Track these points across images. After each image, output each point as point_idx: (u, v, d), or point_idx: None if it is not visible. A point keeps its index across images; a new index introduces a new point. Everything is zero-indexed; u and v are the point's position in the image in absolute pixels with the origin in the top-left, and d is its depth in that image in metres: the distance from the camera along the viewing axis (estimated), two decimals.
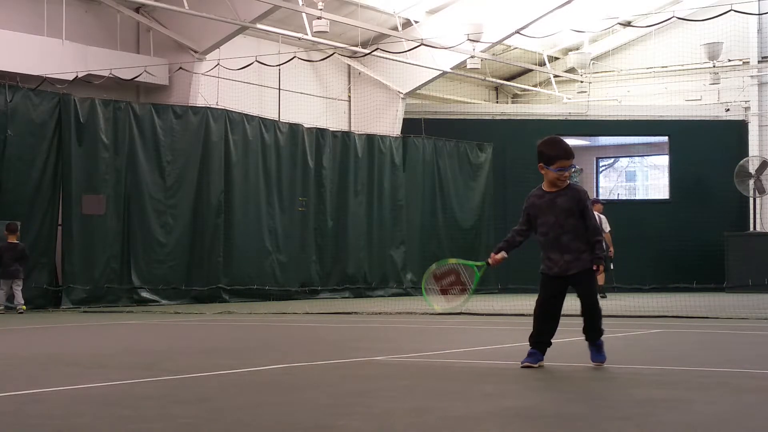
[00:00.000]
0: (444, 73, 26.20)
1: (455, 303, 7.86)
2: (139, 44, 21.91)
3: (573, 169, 7.31)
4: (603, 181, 32.94)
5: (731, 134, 27.84)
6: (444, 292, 7.77)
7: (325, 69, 25.24)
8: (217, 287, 20.58)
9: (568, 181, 7.41)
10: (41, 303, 18.33)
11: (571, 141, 31.91)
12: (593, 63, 30.03)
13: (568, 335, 8.71)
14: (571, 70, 29.96)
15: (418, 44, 22.41)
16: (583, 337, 7.45)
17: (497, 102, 31.62)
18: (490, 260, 7.50)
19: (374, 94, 26.16)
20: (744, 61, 28.36)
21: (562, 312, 7.44)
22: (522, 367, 7.28)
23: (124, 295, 19.33)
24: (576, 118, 28.17)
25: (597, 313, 7.36)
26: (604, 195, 31.34)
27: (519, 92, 31.69)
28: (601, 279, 22.38)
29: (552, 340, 7.44)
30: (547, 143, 7.39)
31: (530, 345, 7.39)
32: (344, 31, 23.64)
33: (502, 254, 7.44)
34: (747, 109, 28.17)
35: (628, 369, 7.21)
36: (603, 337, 7.43)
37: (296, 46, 23.80)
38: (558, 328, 7.46)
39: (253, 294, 21.19)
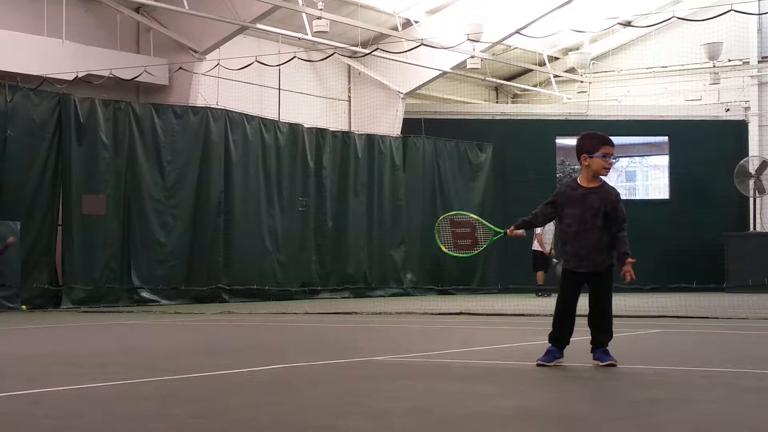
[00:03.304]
0: (444, 73, 26.20)
1: (460, 253, 7.91)
2: (139, 44, 21.91)
3: (612, 160, 7.39)
4: None
5: (731, 134, 27.83)
6: (456, 237, 7.85)
7: (325, 69, 25.24)
8: (217, 287, 20.57)
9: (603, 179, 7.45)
10: (41, 303, 18.32)
11: (571, 141, 31.78)
12: (593, 63, 30.03)
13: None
14: (571, 70, 29.96)
15: (418, 44, 22.40)
16: (590, 339, 7.41)
17: (497, 102, 31.61)
18: (508, 231, 7.63)
19: (374, 94, 26.16)
20: (744, 61, 28.36)
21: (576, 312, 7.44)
22: (537, 365, 7.27)
23: (124, 295, 19.32)
24: (576, 118, 28.16)
25: (611, 315, 7.38)
26: None
27: (519, 92, 31.69)
28: (540, 278, 22.68)
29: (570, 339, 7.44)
30: (586, 135, 7.49)
31: (549, 342, 7.40)
32: (344, 31, 23.63)
33: (521, 232, 7.58)
34: (747, 109, 28.17)
35: (628, 369, 7.21)
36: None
37: (296, 46, 23.80)
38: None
39: (253, 294, 21.18)
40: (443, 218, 7.96)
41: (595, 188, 7.37)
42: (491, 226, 7.84)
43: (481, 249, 7.83)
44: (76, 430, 4.87)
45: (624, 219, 7.37)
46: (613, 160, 7.47)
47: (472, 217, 7.96)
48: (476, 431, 4.77)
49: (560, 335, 7.36)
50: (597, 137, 7.41)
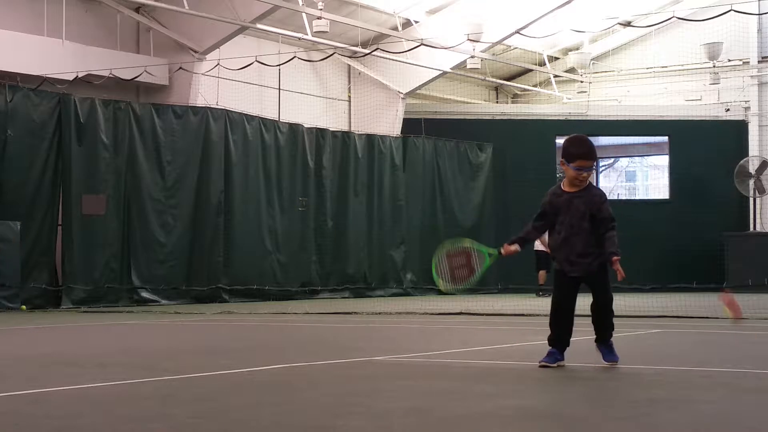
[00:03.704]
0: (444, 73, 26.20)
1: (458, 286, 7.83)
2: (139, 44, 21.91)
3: (587, 173, 7.33)
4: (603, 181, 32.98)
5: (731, 134, 27.84)
6: (452, 270, 7.78)
7: (325, 69, 25.24)
8: (217, 287, 20.57)
9: (588, 182, 7.42)
10: (41, 303, 18.31)
11: None
12: (593, 63, 30.04)
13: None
14: (571, 70, 29.96)
15: (418, 44, 22.41)
16: (594, 337, 7.44)
17: (497, 102, 31.62)
18: (502, 250, 7.52)
19: (374, 94, 26.16)
20: (744, 61, 28.37)
21: (576, 312, 7.44)
22: (540, 366, 7.27)
23: (124, 295, 19.32)
24: (576, 118, 28.18)
25: (611, 311, 7.40)
26: None
27: (519, 92, 31.69)
28: (542, 278, 22.68)
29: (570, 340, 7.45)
30: (573, 140, 7.44)
31: (549, 345, 7.40)
32: (344, 31, 23.63)
33: (516, 247, 7.47)
34: (747, 109, 28.18)
35: (628, 369, 7.21)
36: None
37: (296, 46, 23.80)
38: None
39: (253, 294, 21.18)
40: (437, 255, 7.83)
41: (579, 192, 7.35)
42: (484, 248, 7.73)
43: (478, 276, 7.73)
44: (76, 430, 4.87)
45: (611, 219, 7.30)
46: (587, 174, 7.40)
47: (465, 245, 7.85)
48: (476, 431, 4.77)
49: (558, 336, 7.35)
50: (582, 148, 7.35)
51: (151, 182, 19.91)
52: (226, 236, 20.88)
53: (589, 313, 7.43)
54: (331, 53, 23.01)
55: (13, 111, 18.12)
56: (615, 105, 29.25)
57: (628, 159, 33.71)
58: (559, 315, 7.39)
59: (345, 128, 25.47)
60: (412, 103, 27.08)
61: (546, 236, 21.39)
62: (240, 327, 13.44)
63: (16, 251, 17.75)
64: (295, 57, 21.69)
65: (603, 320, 7.37)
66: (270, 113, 22.95)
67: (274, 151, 22.12)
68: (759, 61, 28.23)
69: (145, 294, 19.55)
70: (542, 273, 22.87)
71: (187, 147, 20.48)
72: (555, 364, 7.28)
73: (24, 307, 17.83)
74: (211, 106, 21.30)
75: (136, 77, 20.25)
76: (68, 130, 18.73)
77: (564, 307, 7.38)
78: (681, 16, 22.90)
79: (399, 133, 25.72)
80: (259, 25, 21.53)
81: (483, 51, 25.50)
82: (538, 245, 22.93)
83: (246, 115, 21.76)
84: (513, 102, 31.74)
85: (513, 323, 13.34)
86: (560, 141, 28.28)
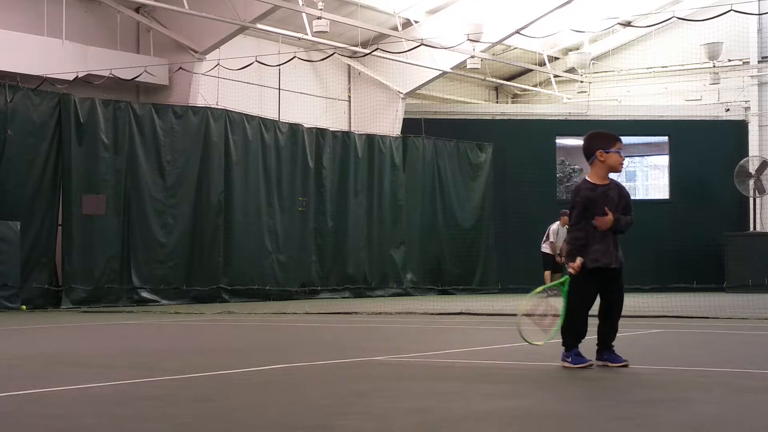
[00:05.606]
0: (444, 73, 26.19)
1: (551, 331, 7.34)
2: (139, 44, 21.91)
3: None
4: None
5: (731, 134, 27.84)
6: (538, 323, 7.53)
7: (325, 69, 25.24)
8: (217, 287, 20.57)
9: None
10: (41, 303, 18.32)
11: (571, 141, 31.55)
12: (593, 63, 30.03)
13: None
14: (571, 70, 29.96)
15: (418, 44, 22.41)
16: (598, 339, 7.34)
17: (497, 102, 31.61)
18: (571, 270, 7.19)
19: (374, 94, 26.15)
20: (744, 61, 28.36)
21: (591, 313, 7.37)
22: (587, 366, 7.17)
23: (124, 295, 19.32)
24: (576, 118, 28.17)
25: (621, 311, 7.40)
26: None
27: (519, 92, 31.69)
28: (547, 279, 22.69)
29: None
30: (598, 134, 7.49)
31: (575, 345, 7.24)
32: (344, 31, 23.63)
33: (581, 260, 7.18)
34: (747, 109, 28.18)
35: (628, 369, 7.21)
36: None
37: (296, 46, 23.80)
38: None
39: (253, 294, 21.19)
40: (518, 319, 7.50)
41: (609, 184, 7.41)
42: (553, 282, 7.45)
43: (562, 314, 7.22)
44: (76, 430, 4.87)
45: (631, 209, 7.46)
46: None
47: (537, 295, 7.58)
48: (476, 431, 4.77)
49: (581, 333, 7.27)
50: (610, 135, 7.46)
51: (151, 182, 19.91)
52: (226, 236, 20.88)
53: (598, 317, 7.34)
54: (331, 53, 23.01)
55: (13, 111, 18.12)
56: (615, 105, 29.25)
57: (628, 159, 33.63)
58: (585, 315, 7.26)
59: (345, 128, 25.46)
60: (412, 103, 27.08)
61: (557, 243, 21.24)
62: (240, 327, 13.45)
63: (16, 251, 17.76)
64: (295, 57, 21.69)
65: (617, 320, 7.31)
66: (270, 113, 22.95)
67: (274, 151, 22.13)
68: (759, 61, 28.22)
69: (145, 294, 19.56)
70: (547, 274, 22.83)
71: (187, 147, 20.48)
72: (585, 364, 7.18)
73: (24, 307, 17.83)
74: (211, 106, 21.30)
75: (136, 77, 20.24)
76: (68, 130, 18.74)
77: (588, 307, 7.27)
78: (681, 16, 22.89)
79: (399, 133, 25.72)
80: (259, 25, 21.53)
81: (483, 51, 25.49)
82: (545, 247, 22.92)
83: (246, 115, 21.76)
84: (513, 102, 31.74)
85: (513, 323, 13.31)
86: (560, 141, 28.48)
